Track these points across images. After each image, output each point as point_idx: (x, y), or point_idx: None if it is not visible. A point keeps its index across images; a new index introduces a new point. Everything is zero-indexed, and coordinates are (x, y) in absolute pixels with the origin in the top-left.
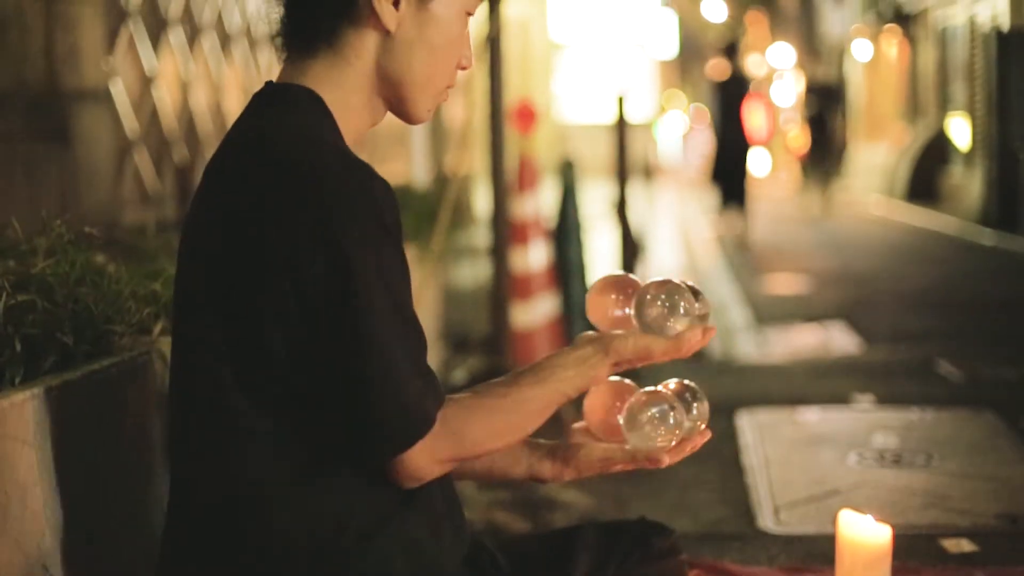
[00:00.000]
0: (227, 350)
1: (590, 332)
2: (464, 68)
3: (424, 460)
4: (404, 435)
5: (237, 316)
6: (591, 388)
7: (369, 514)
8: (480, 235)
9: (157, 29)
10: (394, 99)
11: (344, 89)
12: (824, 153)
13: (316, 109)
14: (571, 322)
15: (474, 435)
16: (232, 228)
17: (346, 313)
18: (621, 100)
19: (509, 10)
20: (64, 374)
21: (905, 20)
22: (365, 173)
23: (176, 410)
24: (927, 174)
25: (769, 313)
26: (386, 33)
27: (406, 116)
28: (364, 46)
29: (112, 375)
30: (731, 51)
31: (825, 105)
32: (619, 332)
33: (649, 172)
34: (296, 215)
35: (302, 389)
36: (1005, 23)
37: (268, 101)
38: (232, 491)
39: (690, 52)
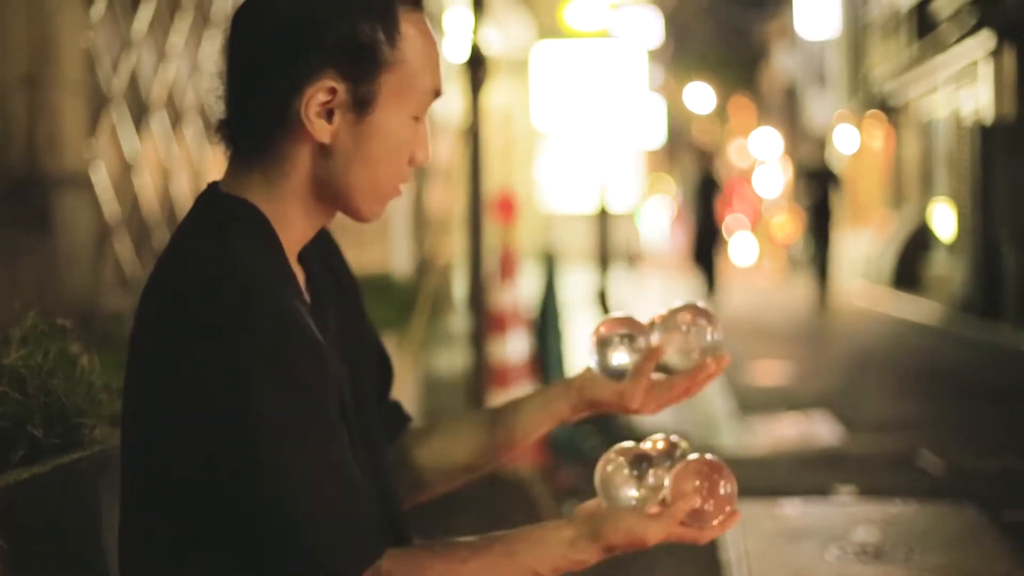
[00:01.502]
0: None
1: (588, 504)
2: (419, 164)
3: None
4: None
5: (144, 445)
6: None
7: None
8: (460, 323)
9: (139, 114)
10: (339, 207)
11: (282, 201)
12: (825, 243)
13: (252, 224)
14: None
15: None
16: (145, 349)
17: (240, 466)
18: (603, 190)
19: (491, 99)
20: (33, 467)
21: (889, 110)
22: (280, 318)
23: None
24: (911, 262)
25: (752, 401)
26: (323, 147)
27: (354, 217)
28: (300, 158)
29: (82, 468)
30: (705, 158)
31: (826, 191)
32: (614, 513)
33: (632, 259)
34: (194, 352)
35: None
36: (988, 116)
37: (204, 211)
38: None
39: (678, 138)
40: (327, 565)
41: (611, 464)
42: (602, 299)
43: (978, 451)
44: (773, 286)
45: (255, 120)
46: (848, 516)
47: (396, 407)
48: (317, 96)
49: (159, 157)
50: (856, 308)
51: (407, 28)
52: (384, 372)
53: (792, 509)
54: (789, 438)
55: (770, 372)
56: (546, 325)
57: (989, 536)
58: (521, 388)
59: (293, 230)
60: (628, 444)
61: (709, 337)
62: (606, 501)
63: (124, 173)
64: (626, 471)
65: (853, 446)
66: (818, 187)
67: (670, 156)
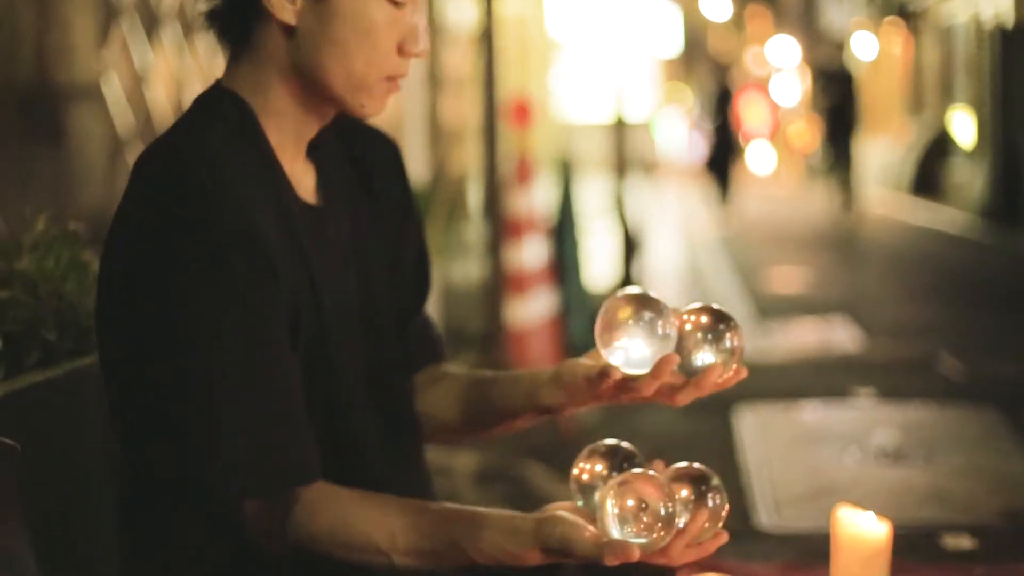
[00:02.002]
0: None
1: (562, 504)
2: (414, 55)
3: (261, 524)
4: (222, 492)
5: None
6: None
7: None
8: (475, 231)
9: (151, 25)
10: (325, 98)
11: (268, 91)
12: (845, 146)
13: (229, 116)
14: (568, 319)
15: (325, 529)
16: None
17: (144, 360)
18: (619, 99)
19: (506, 7)
20: (47, 371)
21: (908, 16)
22: (219, 206)
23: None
24: (930, 169)
25: (770, 307)
26: (290, 29)
27: (347, 111)
28: (272, 43)
29: (95, 372)
30: (721, 69)
31: (843, 93)
32: (559, 516)
33: (649, 168)
34: (121, 240)
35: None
36: (1008, 20)
37: (192, 107)
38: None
39: (694, 48)
40: (245, 483)
41: (586, 463)
42: (619, 207)
43: (998, 355)
44: (791, 194)
45: (229, 6)
46: (868, 419)
47: (426, 339)
48: None
49: (171, 68)
50: (875, 215)
51: None
52: (417, 288)
53: (811, 412)
54: (808, 343)
55: (789, 279)
56: (563, 232)
57: (1009, 438)
58: (538, 294)
59: (286, 122)
60: (611, 443)
61: (728, 344)
62: (581, 502)
63: (136, 85)
64: (603, 473)
65: (872, 351)
66: (836, 89)
67: (687, 65)
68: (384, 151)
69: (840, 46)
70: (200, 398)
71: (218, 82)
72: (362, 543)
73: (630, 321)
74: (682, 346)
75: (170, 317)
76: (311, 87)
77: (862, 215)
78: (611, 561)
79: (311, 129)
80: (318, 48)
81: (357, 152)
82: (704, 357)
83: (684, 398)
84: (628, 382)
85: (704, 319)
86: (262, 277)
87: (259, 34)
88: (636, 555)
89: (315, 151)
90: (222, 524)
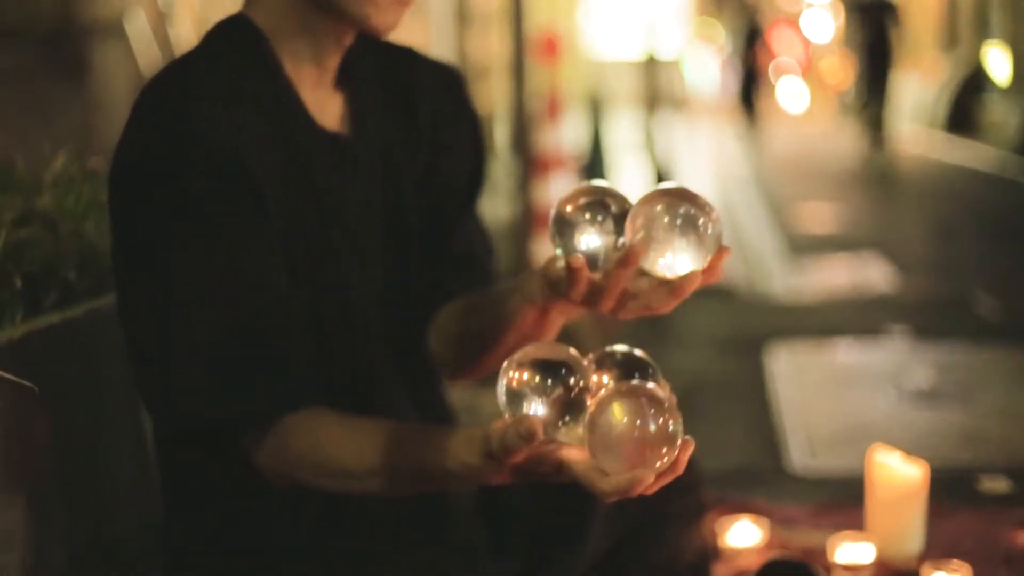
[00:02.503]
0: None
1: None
2: None
3: (252, 454)
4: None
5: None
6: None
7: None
8: (504, 169)
9: None
10: (334, 15)
11: (279, 13)
12: (882, 84)
13: (241, 43)
14: None
15: (296, 455)
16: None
17: (125, 285)
18: (650, 36)
19: None
20: (66, 311)
21: None
22: (189, 131)
23: None
24: (965, 106)
25: (802, 245)
26: None
27: (358, 26)
28: None
29: (115, 313)
30: (749, 8)
31: (881, 25)
32: (476, 430)
33: (679, 105)
34: (114, 164)
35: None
36: None
37: (205, 36)
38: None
39: None
40: (200, 408)
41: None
42: (649, 144)
43: None
44: (824, 131)
45: None
46: (902, 358)
47: (471, 262)
48: None
49: (195, 4)
50: (909, 153)
51: None
52: (467, 194)
53: (845, 351)
54: (841, 281)
55: (821, 216)
56: (593, 169)
57: None
58: None
59: (302, 47)
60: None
61: (703, 228)
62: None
63: (160, 21)
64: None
65: (906, 289)
66: (872, 21)
67: (717, 0)
68: (436, 78)
69: None
70: (163, 323)
71: (237, 13)
72: (333, 467)
73: (583, 215)
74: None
75: (140, 239)
76: (317, 3)
77: (895, 153)
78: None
79: (332, 54)
80: None
81: (402, 80)
82: (682, 260)
83: (664, 307)
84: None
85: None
86: (238, 203)
87: None
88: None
89: (348, 80)
90: (224, 455)
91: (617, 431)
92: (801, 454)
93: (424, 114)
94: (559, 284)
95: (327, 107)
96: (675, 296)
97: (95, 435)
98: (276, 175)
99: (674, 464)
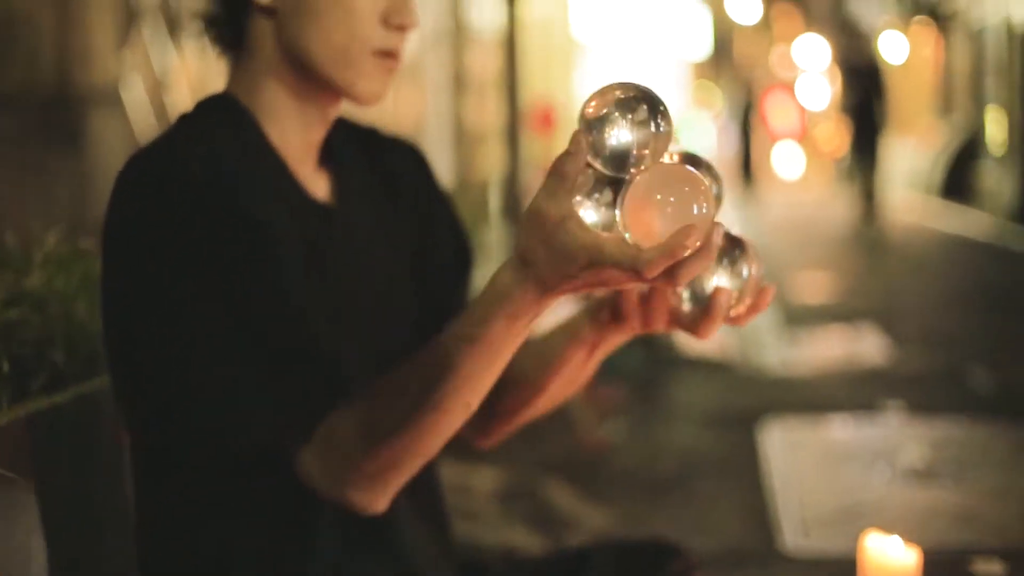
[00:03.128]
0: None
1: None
2: (401, 28)
3: (309, 476)
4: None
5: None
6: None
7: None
8: (497, 237)
9: (171, 28)
10: (319, 82)
11: (264, 90)
12: (871, 148)
13: (224, 115)
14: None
15: (354, 440)
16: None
17: (139, 341)
18: None
19: (531, 9)
20: (54, 396)
21: (938, 17)
22: (184, 177)
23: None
24: (960, 173)
25: (797, 315)
26: (271, 12)
27: (348, 99)
28: (259, 33)
29: (105, 396)
30: (746, 86)
31: (870, 89)
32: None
33: None
34: (104, 231)
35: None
36: None
37: (186, 112)
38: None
39: (724, 49)
40: (226, 442)
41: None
42: None
43: None
44: (819, 197)
45: (219, 7)
46: (897, 435)
47: None
48: None
49: (192, 71)
50: (903, 220)
51: None
52: (456, 270)
53: (839, 427)
54: (836, 353)
55: (816, 285)
56: None
57: None
58: (559, 302)
59: (289, 122)
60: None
61: (745, 271)
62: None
63: (156, 88)
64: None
65: (901, 362)
66: (862, 85)
67: (716, 66)
68: (406, 155)
69: (868, 39)
70: (197, 359)
71: (221, 91)
72: (384, 417)
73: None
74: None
75: (150, 289)
76: (302, 72)
77: (889, 222)
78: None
79: (317, 129)
80: (297, 25)
81: (378, 159)
82: (717, 280)
83: (703, 330)
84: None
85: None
86: (241, 234)
87: (248, 29)
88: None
89: (331, 159)
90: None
91: (647, 198)
92: (794, 534)
93: (405, 192)
94: (604, 311)
95: (315, 182)
96: (709, 318)
97: (84, 522)
98: (275, 229)
99: (705, 246)
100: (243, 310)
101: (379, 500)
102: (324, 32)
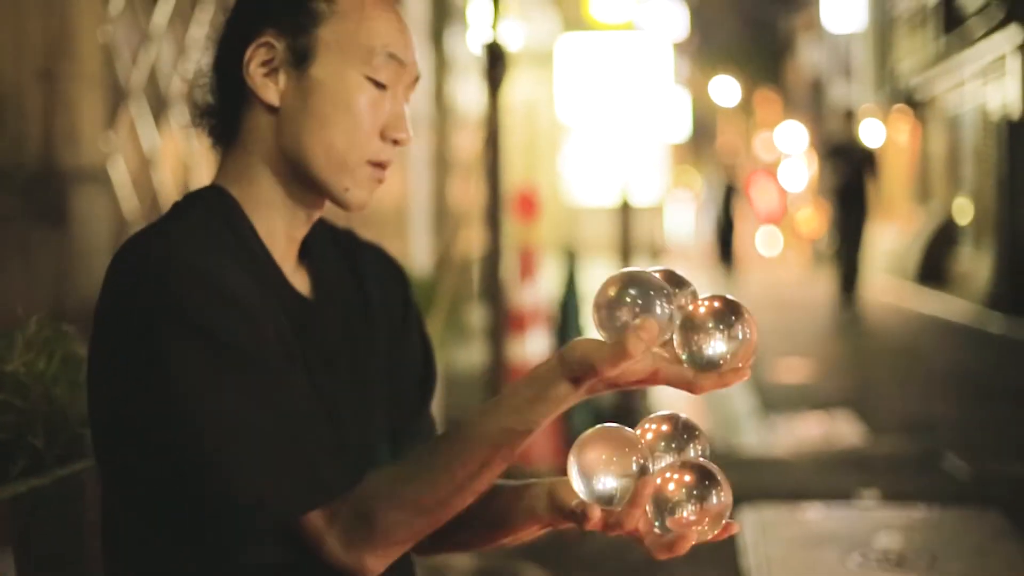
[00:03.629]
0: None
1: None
2: (397, 143)
3: (332, 549)
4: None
5: (96, 431)
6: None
7: None
8: (479, 319)
9: (158, 108)
10: (310, 184)
11: (254, 183)
12: (858, 231)
13: (215, 207)
14: (572, 414)
15: (385, 512)
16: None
17: (162, 424)
18: (627, 184)
19: (515, 92)
20: (32, 480)
21: (915, 104)
22: (179, 268)
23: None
24: (937, 257)
25: (774, 400)
26: (274, 110)
27: (335, 202)
28: (258, 128)
29: (82, 479)
30: (728, 169)
31: (862, 170)
32: (574, 340)
33: (656, 253)
34: (101, 319)
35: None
36: (1015, 111)
37: (176, 202)
38: None
39: (704, 131)
40: (267, 509)
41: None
42: None
43: (1004, 453)
44: (797, 279)
45: (219, 97)
46: (871, 522)
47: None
48: (258, 54)
49: (178, 152)
50: (881, 303)
51: None
52: (419, 393)
53: (814, 514)
54: (812, 438)
55: (792, 369)
56: (566, 322)
57: (1014, 543)
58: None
59: (275, 215)
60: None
61: (740, 334)
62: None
63: (143, 168)
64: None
65: (877, 447)
66: (846, 166)
67: (695, 149)
68: (383, 264)
69: (851, 118)
70: (226, 437)
71: (211, 184)
72: (419, 486)
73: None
74: (691, 333)
75: (165, 377)
76: (296, 172)
77: (866, 305)
78: (634, 344)
79: (300, 225)
80: (300, 126)
81: (355, 262)
82: (715, 346)
83: (700, 387)
84: (608, 518)
85: (716, 305)
86: (245, 326)
87: (245, 122)
88: (655, 329)
89: (309, 256)
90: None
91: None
92: None
93: (380, 298)
94: (571, 517)
95: (295, 277)
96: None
97: None
98: (266, 317)
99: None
100: (256, 387)
101: (387, 564)
102: (326, 138)
